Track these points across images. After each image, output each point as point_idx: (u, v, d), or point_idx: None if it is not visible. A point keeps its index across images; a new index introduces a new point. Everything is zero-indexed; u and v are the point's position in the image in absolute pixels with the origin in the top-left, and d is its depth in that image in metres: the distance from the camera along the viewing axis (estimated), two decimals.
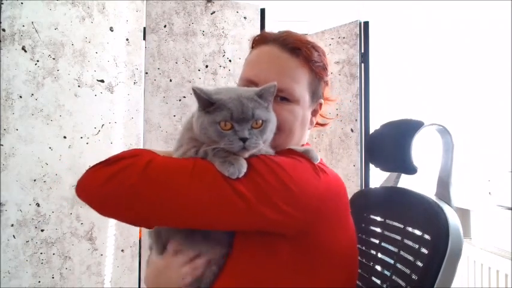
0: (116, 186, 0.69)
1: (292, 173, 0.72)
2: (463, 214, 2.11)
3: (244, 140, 0.70)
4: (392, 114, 2.50)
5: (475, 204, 1.97)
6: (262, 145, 0.74)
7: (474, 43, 1.98)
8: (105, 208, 0.73)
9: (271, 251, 0.75)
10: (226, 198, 0.67)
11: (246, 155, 0.72)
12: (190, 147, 0.75)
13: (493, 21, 1.86)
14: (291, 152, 0.80)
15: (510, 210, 1.72)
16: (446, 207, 0.86)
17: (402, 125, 0.96)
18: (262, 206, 0.68)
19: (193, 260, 0.78)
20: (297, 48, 0.83)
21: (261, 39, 0.87)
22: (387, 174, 1.11)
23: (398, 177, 1.08)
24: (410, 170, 0.93)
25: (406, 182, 1.08)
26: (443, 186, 0.93)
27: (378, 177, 1.35)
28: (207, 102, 0.72)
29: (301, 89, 0.83)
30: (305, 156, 0.80)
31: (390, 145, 0.97)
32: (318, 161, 0.80)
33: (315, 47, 0.88)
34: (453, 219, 0.83)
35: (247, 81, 0.84)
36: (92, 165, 0.76)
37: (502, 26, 1.79)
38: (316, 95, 0.90)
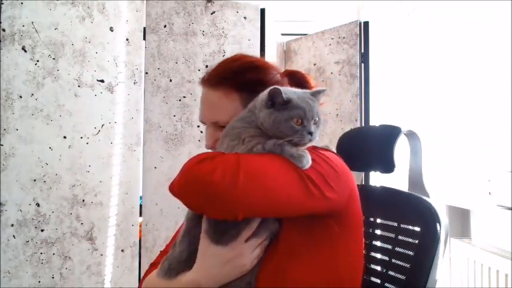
0: (217, 183, 0.72)
1: (333, 160, 0.85)
2: (463, 214, 2.11)
3: (311, 133, 0.82)
4: (393, 114, 2.50)
5: (475, 204, 1.96)
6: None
7: (474, 43, 1.98)
8: (204, 205, 0.76)
9: (321, 229, 0.84)
10: (307, 187, 0.77)
11: (308, 146, 0.84)
12: (254, 143, 0.83)
13: (493, 21, 1.86)
14: (317, 148, 0.91)
15: (510, 210, 1.72)
16: (428, 199, 0.97)
17: (383, 130, 1.09)
18: (326, 190, 0.79)
19: (262, 242, 0.85)
20: (214, 81, 0.96)
21: (201, 82, 1.00)
22: (387, 174, 1.13)
23: (362, 176, 1.24)
24: (390, 169, 1.03)
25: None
26: (417, 184, 1.05)
27: (377, 177, 1.35)
28: (283, 101, 0.82)
29: (231, 112, 0.93)
30: (328, 149, 0.94)
31: (373, 148, 1.09)
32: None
33: (230, 66, 0.97)
34: (438, 206, 0.94)
35: (201, 122, 1.00)
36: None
37: (502, 26, 1.79)
38: None
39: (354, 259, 0.89)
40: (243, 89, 0.93)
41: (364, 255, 1.04)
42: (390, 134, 1.03)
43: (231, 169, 0.73)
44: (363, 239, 0.93)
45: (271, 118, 0.82)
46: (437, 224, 0.90)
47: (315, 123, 0.84)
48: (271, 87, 0.81)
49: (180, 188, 0.77)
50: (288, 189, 0.76)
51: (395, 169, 1.02)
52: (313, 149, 0.86)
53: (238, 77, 0.95)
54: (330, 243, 0.85)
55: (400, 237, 0.98)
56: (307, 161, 0.78)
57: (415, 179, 1.05)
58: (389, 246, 1.00)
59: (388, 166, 1.02)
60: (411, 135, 1.06)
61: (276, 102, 0.82)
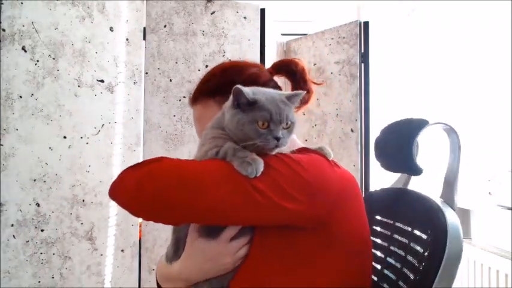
0: (145, 191, 0.74)
1: (308, 166, 0.77)
2: (463, 214, 2.11)
3: (278, 139, 0.76)
4: (393, 114, 2.50)
5: (475, 204, 1.97)
6: (288, 143, 0.81)
7: (474, 43, 1.98)
8: (139, 212, 0.79)
9: (291, 243, 0.80)
10: (248, 196, 0.72)
11: (275, 152, 0.79)
12: (212, 147, 0.80)
13: (493, 21, 1.86)
14: (305, 150, 0.86)
15: (510, 210, 1.72)
16: (446, 209, 0.86)
17: (405, 125, 0.96)
18: (282, 200, 0.73)
19: (246, 243, 0.83)
20: (192, 99, 1.00)
21: (188, 103, 1.04)
22: (387, 174, 1.10)
23: (408, 179, 1.07)
24: (415, 170, 0.93)
25: (417, 183, 1.07)
26: (449, 187, 0.92)
27: (378, 178, 1.35)
28: (247, 102, 0.77)
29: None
30: (319, 152, 0.86)
31: (394, 145, 0.98)
32: (332, 157, 0.86)
33: (203, 78, 1.00)
34: (453, 220, 0.83)
35: None
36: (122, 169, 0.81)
37: (502, 26, 1.79)
38: None
39: (339, 276, 0.81)
40: (216, 94, 0.94)
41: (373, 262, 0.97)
42: (409, 130, 0.91)
43: (162, 177, 0.73)
44: (361, 254, 0.86)
45: (235, 119, 0.78)
46: (445, 237, 0.80)
47: (286, 128, 0.79)
48: (235, 86, 0.76)
49: (113, 192, 0.80)
50: (222, 199, 0.72)
51: (425, 171, 0.90)
52: (285, 154, 0.80)
53: (207, 84, 0.97)
54: (308, 258, 0.80)
55: (411, 244, 0.90)
56: (255, 169, 0.72)
57: (449, 181, 0.91)
58: (402, 253, 0.92)
59: (411, 167, 0.91)
60: (450, 131, 0.91)
61: (240, 102, 0.77)
